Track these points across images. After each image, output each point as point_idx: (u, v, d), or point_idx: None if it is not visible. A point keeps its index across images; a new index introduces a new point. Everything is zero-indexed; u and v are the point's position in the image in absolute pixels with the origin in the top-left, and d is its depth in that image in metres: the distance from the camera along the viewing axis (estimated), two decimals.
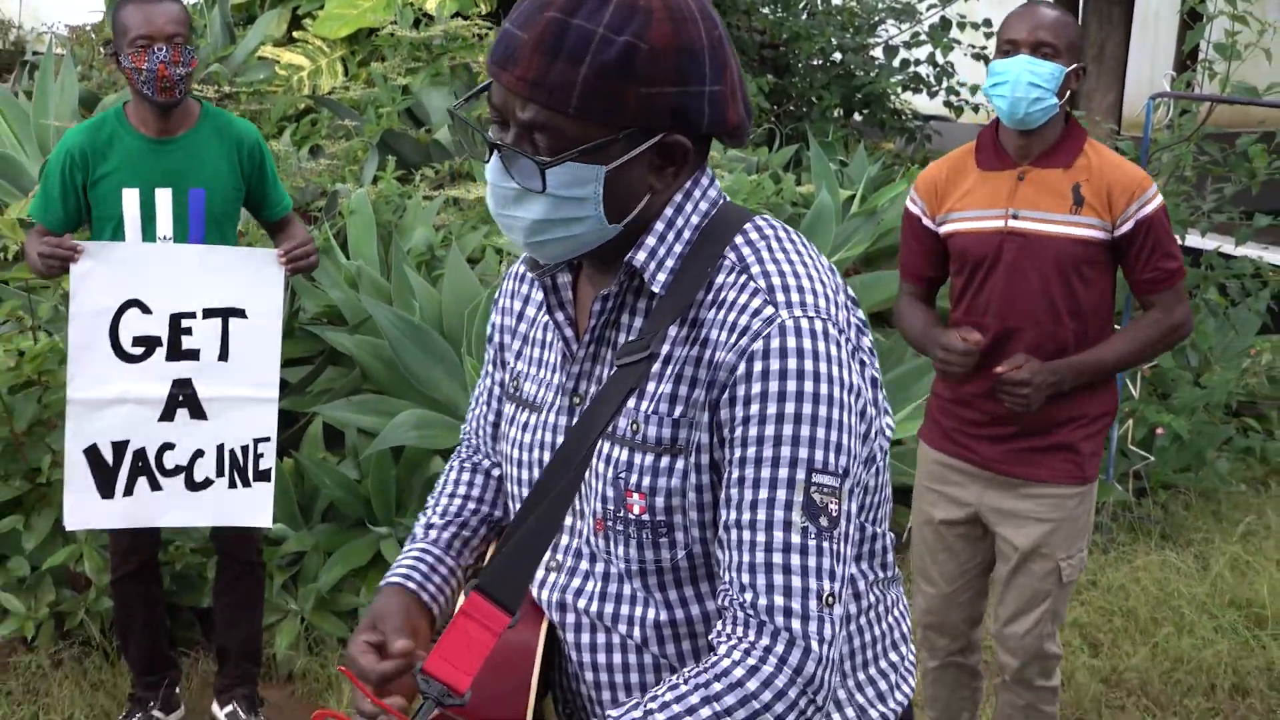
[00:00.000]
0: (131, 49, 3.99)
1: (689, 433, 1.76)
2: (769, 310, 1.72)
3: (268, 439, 4.24)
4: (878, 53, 9.45)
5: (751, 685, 1.66)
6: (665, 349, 1.78)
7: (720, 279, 1.77)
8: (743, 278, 1.76)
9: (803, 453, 1.70)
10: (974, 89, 9.31)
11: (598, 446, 1.80)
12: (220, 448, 4.20)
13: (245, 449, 4.22)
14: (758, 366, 1.70)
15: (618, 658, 1.86)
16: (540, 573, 1.90)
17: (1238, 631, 5.30)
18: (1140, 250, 3.67)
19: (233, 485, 4.22)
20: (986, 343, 3.66)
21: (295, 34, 8.36)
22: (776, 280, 1.75)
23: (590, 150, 1.70)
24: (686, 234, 1.81)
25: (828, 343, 1.72)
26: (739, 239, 1.80)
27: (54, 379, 4.74)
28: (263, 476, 4.25)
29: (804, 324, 1.72)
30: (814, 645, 1.68)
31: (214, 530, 4.45)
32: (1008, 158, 3.73)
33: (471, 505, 2.13)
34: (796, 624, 1.68)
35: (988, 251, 3.69)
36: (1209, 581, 5.62)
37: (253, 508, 4.26)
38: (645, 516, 1.78)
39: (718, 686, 1.66)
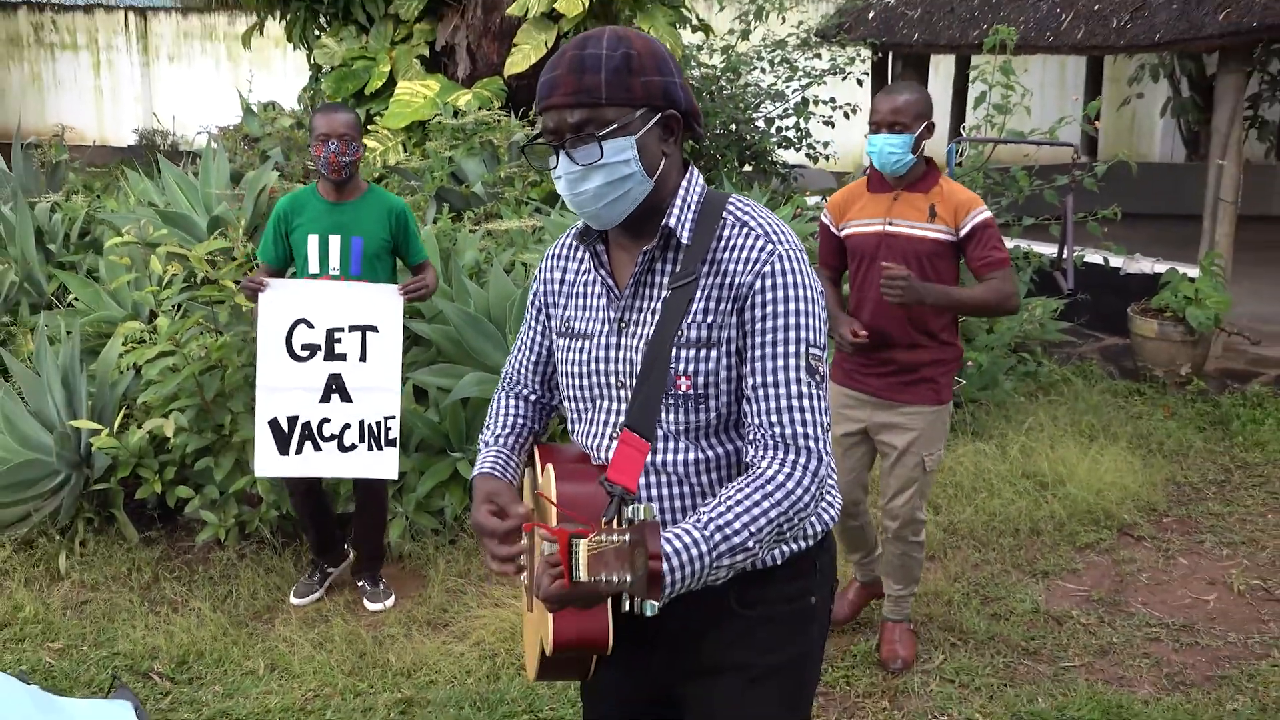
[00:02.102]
0: (315, 142, 4.18)
1: (720, 332, 1.90)
2: (770, 246, 1.90)
3: (394, 416, 4.38)
4: (760, 123, 9.55)
5: (789, 485, 1.82)
6: (698, 288, 1.92)
7: (727, 232, 1.94)
8: (744, 229, 1.93)
9: (803, 334, 1.88)
10: (825, 144, 9.53)
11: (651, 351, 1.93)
12: (361, 422, 4.35)
13: (378, 424, 4.37)
14: (768, 282, 1.88)
15: (667, 490, 1.97)
16: (608, 441, 2.01)
17: (1030, 493, 5.48)
18: (975, 246, 3.82)
19: (370, 449, 4.37)
20: (868, 314, 3.86)
21: (369, 127, 8.40)
22: (768, 228, 1.94)
23: (621, 126, 1.85)
24: (694, 205, 1.97)
25: (806, 267, 1.92)
26: (729, 208, 1.97)
27: (230, 363, 4.81)
28: (390, 443, 4.38)
29: (793, 254, 1.91)
30: (823, 456, 1.87)
31: None
32: (887, 186, 3.89)
33: (521, 420, 2.25)
34: (812, 444, 1.86)
35: (871, 247, 3.86)
36: (1007, 462, 5.79)
37: (384, 465, 4.40)
38: (690, 391, 1.92)
39: (769, 486, 1.81)
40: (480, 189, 7.00)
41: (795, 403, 1.86)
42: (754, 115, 9.34)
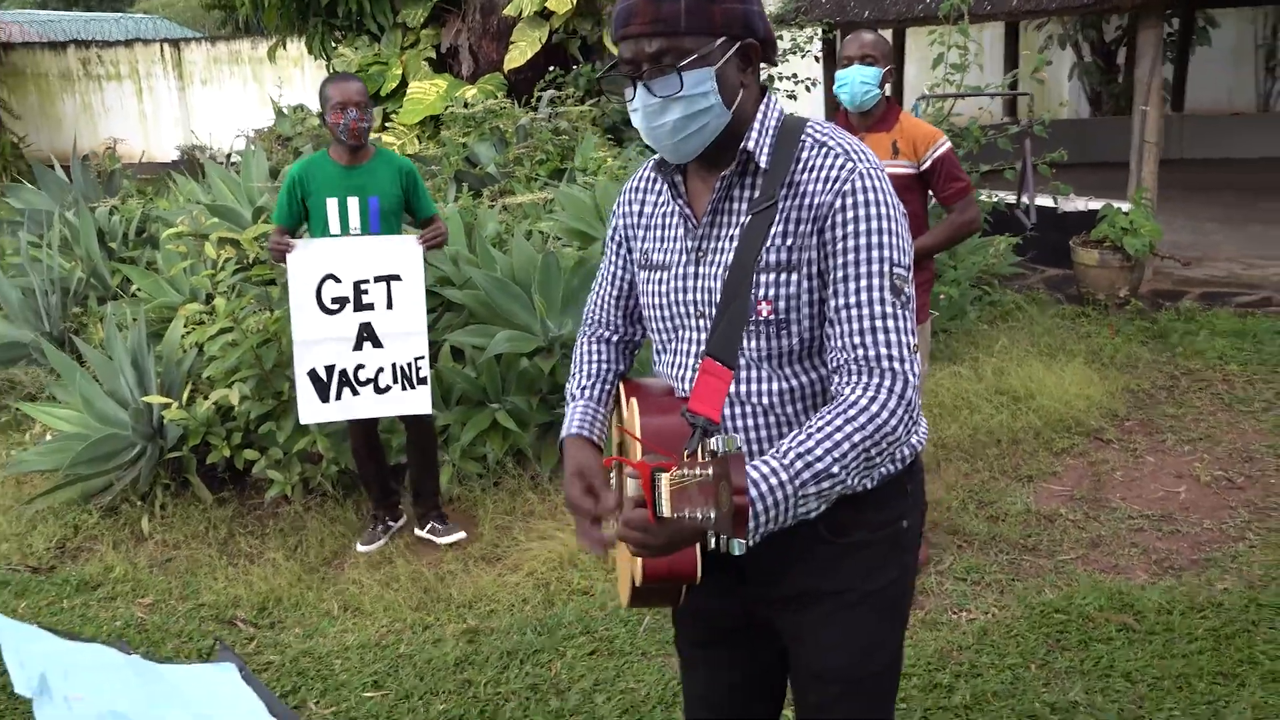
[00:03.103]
0: (331, 111, 3.79)
1: (800, 255, 1.58)
2: (850, 164, 1.57)
3: (422, 356, 4.06)
4: None
5: (874, 408, 1.50)
6: (776, 211, 1.59)
7: (805, 155, 1.60)
8: (823, 149, 1.60)
9: (887, 253, 1.55)
10: None
11: (731, 277, 1.61)
12: (394, 365, 4.02)
13: (409, 364, 4.04)
14: (849, 200, 1.55)
15: (751, 420, 1.65)
16: (689, 373, 1.69)
17: (1006, 407, 5.21)
18: (938, 178, 3.54)
19: (404, 389, 4.05)
20: None
21: (386, 124, 8.03)
22: (847, 147, 1.60)
23: (701, 56, 1.53)
24: (771, 129, 1.63)
25: (888, 186, 1.59)
26: (808, 130, 1.64)
27: (285, 335, 4.47)
28: (423, 381, 4.06)
29: (873, 173, 1.58)
30: (910, 378, 1.54)
31: (404, 419, 4.24)
32: (853, 129, 3.57)
33: (606, 366, 1.90)
34: (898, 365, 1.53)
35: None
36: (982, 382, 5.52)
37: (419, 401, 4.08)
38: (771, 316, 1.60)
39: (852, 411, 1.50)
40: (493, 169, 6.64)
41: (880, 323, 1.53)
42: None
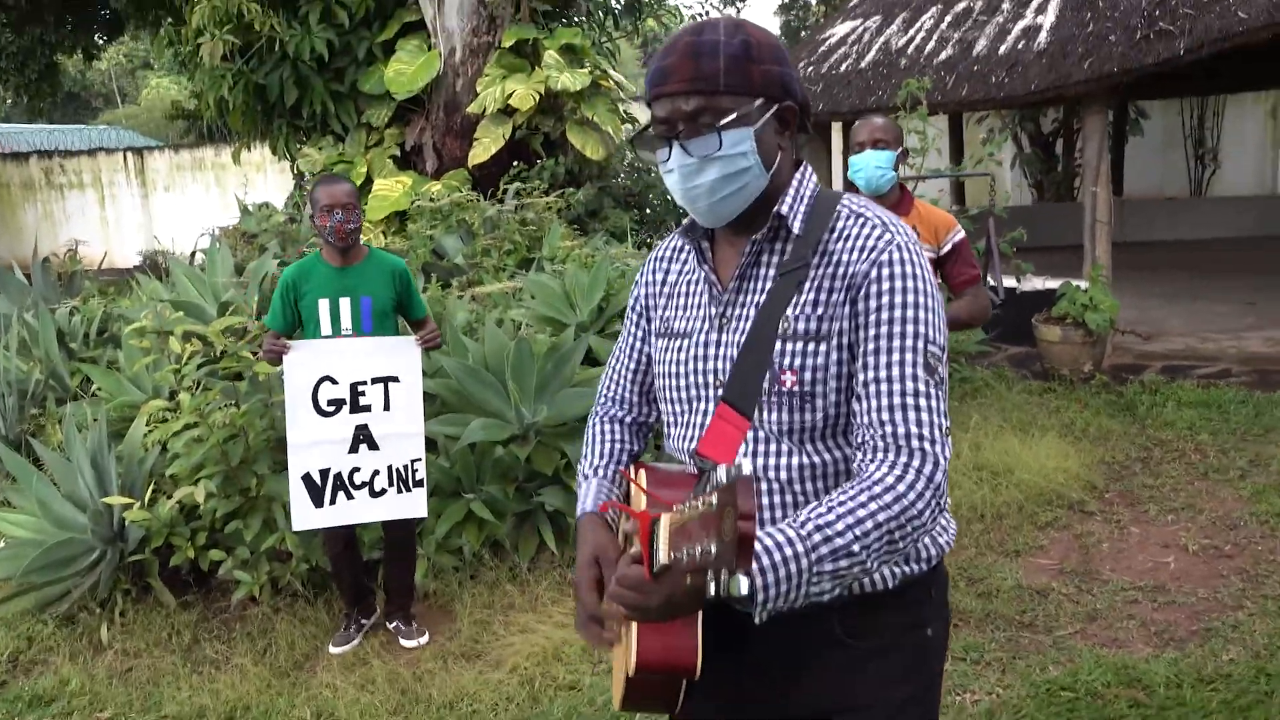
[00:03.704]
0: (320, 214, 3.69)
1: (830, 325, 1.45)
2: (888, 236, 1.46)
3: (419, 459, 3.90)
4: None
5: (900, 488, 1.35)
6: (807, 277, 1.47)
7: (841, 224, 1.49)
8: (861, 220, 1.49)
9: (922, 329, 1.42)
10: None
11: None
12: (390, 467, 3.86)
13: (405, 467, 3.89)
14: (885, 271, 1.43)
15: (766, 499, 1.51)
16: None
17: (986, 482, 5.09)
18: (955, 263, 3.50)
19: (400, 491, 3.88)
20: None
21: None
22: (886, 220, 1.49)
23: (740, 116, 1.42)
24: (807, 197, 1.52)
25: (924, 262, 1.47)
26: (844, 202, 1.52)
27: (253, 429, 4.27)
28: (419, 484, 3.90)
29: (911, 247, 1.47)
30: (941, 460, 1.39)
31: None
32: None
33: (620, 445, 1.76)
34: (928, 445, 1.39)
35: None
36: (961, 458, 5.40)
37: (413, 505, 3.91)
38: (795, 388, 1.46)
39: (877, 489, 1.35)
40: (461, 260, 6.53)
41: (910, 400, 1.40)
42: None
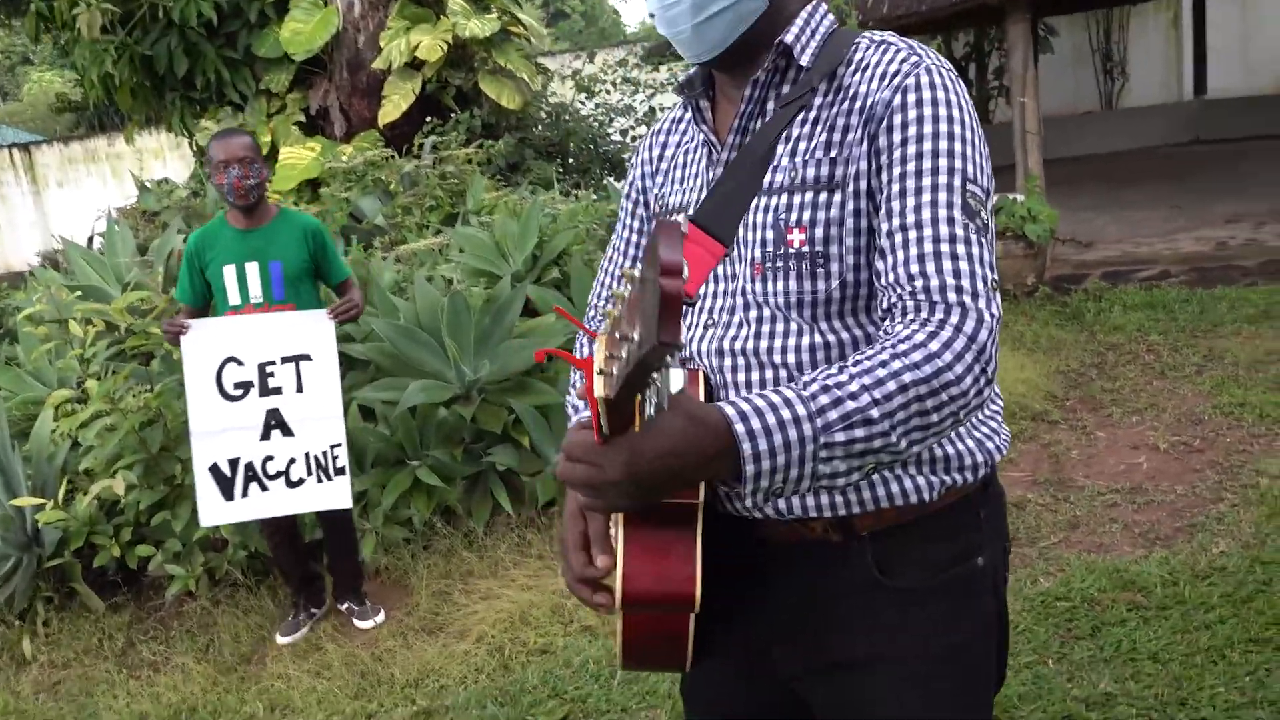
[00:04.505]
0: (215, 170, 3.33)
1: (845, 168, 1.17)
2: (915, 58, 1.18)
3: (340, 444, 3.56)
4: (616, 136, 8.97)
5: (934, 346, 1.05)
6: (814, 112, 1.20)
7: (860, 54, 1.21)
8: (884, 46, 1.21)
9: (958, 163, 1.13)
10: None
11: (757, 202, 1.21)
12: (307, 455, 3.52)
13: (324, 454, 3.55)
14: (912, 96, 1.15)
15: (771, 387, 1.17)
16: (700, 330, 1.28)
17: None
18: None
19: (320, 480, 3.54)
20: None
21: None
22: (913, 44, 1.21)
23: None
24: (822, 30, 1.25)
25: (962, 89, 1.18)
26: (864, 35, 1.25)
27: (170, 411, 3.92)
28: (340, 471, 3.57)
29: (944, 70, 1.18)
30: (985, 316, 1.08)
31: None
32: None
33: None
34: (968, 299, 1.08)
35: None
36: None
37: (336, 495, 3.58)
38: (805, 249, 1.18)
39: (904, 347, 1.05)
40: (381, 221, 6.17)
41: (946, 248, 1.10)
42: (609, 130, 8.70)
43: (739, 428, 0.99)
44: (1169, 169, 11.54)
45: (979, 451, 1.26)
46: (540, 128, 8.57)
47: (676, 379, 0.95)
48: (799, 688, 1.33)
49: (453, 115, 8.00)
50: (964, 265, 1.09)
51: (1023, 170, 7.21)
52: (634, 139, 8.87)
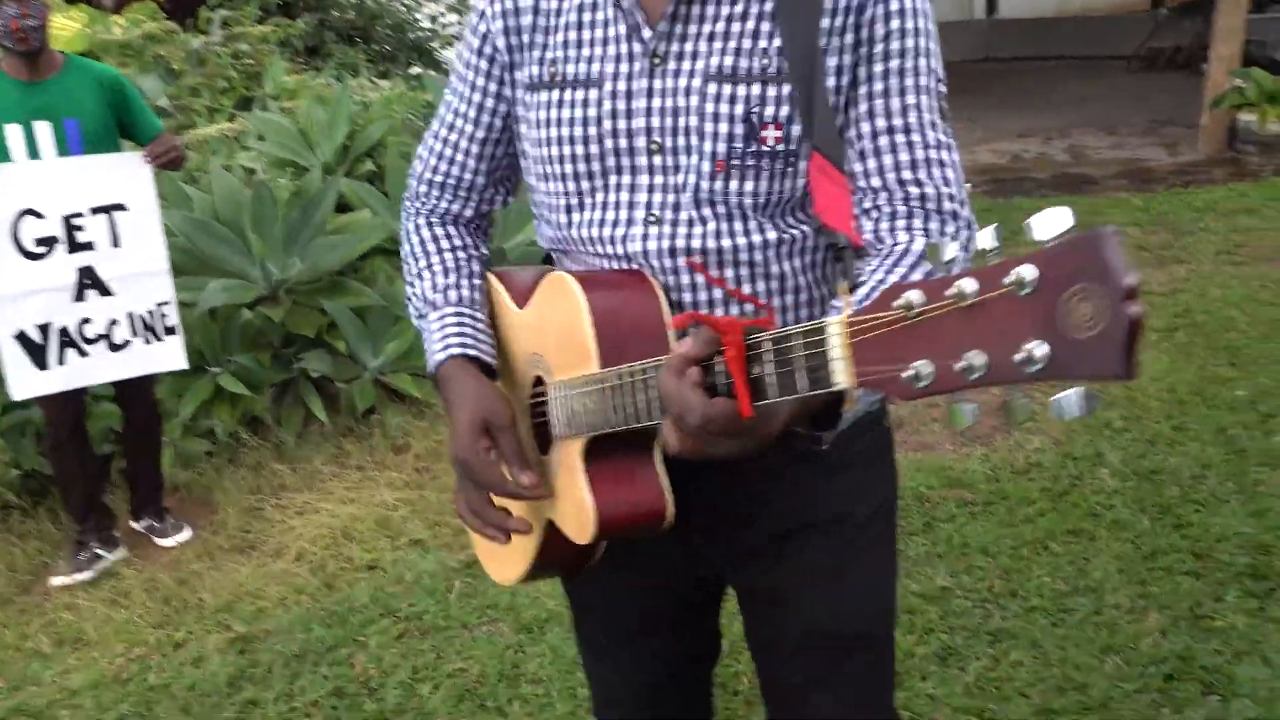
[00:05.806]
0: None
1: (823, 61, 1.05)
2: None
3: (167, 301, 3.26)
4: (425, 23, 8.45)
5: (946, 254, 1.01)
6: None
7: None
8: None
9: (934, 63, 1.09)
10: None
11: (719, 90, 1.05)
12: (130, 315, 3.20)
13: (151, 312, 3.24)
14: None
15: (731, 273, 1.11)
16: (639, 228, 1.11)
17: None
18: None
19: (147, 342, 3.23)
20: None
21: None
22: None
23: None
24: None
25: None
26: None
27: None
28: (171, 331, 3.26)
29: None
30: (974, 226, 1.09)
31: (117, 393, 3.34)
32: None
33: (465, 253, 1.26)
34: (960, 209, 1.09)
35: None
36: None
37: (168, 356, 3.30)
38: (779, 146, 1.06)
39: (911, 259, 1.04)
40: (165, 103, 5.55)
41: (935, 154, 1.07)
42: (417, 16, 8.17)
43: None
44: (963, 84, 12.02)
45: None
46: (342, 10, 7.94)
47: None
48: (727, 575, 1.27)
49: None
50: (951, 174, 1.09)
51: None
52: (445, 26, 8.37)
